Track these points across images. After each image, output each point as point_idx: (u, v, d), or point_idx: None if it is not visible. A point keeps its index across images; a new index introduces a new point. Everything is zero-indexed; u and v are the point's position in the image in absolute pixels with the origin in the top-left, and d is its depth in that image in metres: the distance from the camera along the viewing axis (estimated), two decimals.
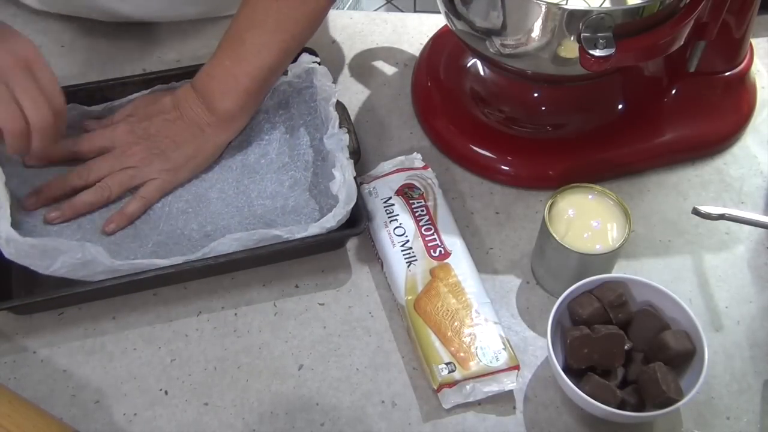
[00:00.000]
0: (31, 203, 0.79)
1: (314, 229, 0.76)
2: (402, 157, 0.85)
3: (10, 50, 0.73)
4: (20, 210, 0.78)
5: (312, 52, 0.86)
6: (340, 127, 0.81)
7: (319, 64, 0.85)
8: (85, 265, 0.72)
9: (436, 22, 0.98)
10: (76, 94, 0.84)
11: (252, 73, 0.80)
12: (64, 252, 0.71)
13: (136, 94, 0.86)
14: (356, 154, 0.82)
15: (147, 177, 0.80)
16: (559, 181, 0.79)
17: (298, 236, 0.76)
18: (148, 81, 0.87)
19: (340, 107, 0.84)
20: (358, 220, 0.77)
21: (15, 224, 0.73)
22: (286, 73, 0.85)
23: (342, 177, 0.77)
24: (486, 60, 0.85)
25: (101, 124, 0.84)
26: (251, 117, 0.84)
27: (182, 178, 0.82)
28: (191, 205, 0.82)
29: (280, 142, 0.86)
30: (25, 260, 0.72)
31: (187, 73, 0.85)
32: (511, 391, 0.73)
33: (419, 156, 0.86)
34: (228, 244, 0.75)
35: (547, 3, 0.70)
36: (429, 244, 0.78)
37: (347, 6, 1.59)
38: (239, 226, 0.80)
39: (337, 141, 0.80)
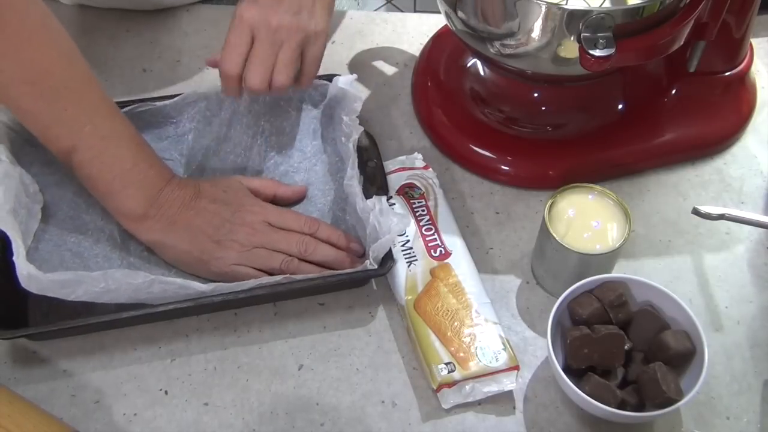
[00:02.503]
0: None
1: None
2: (403, 157, 0.85)
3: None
4: (36, 235, 0.77)
5: None
6: (366, 161, 0.80)
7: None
8: (108, 292, 0.71)
9: (436, 22, 0.98)
10: None
11: None
12: (86, 282, 0.70)
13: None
14: (383, 190, 0.81)
15: (306, 33, 0.77)
16: (559, 181, 0.79)
17: (323, 275, 0.75)
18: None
19: (369, 138, 0.83)
20: (384, 260, 0.75)
21: (31, 251, 0.73)
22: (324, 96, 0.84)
23: (368, 227, 0.76)
24: (486, 60, 0.85)
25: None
26: (205, 176, 0.82)
27: (322, 37, 0.79)
28: None
29: (308, 173, 0.85)
30: (48, 293, 0.70)
31: None
32: (510, 391, 0.73)
33: (420, 156, 0.86)
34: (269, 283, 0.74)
35: (547, 3, 0.70)
36: (429, 244, 0.78)
37: (351, 6, 1.59)
38: None
39: (355, 185, 0.78)
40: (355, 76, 0.84)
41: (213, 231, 0.76)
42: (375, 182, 0.80)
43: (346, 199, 0.81)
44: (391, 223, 0.75)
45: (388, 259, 0.75)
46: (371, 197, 0.77)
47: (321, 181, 0.84)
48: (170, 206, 0.75)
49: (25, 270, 0.69)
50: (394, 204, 0.81)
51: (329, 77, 0.85)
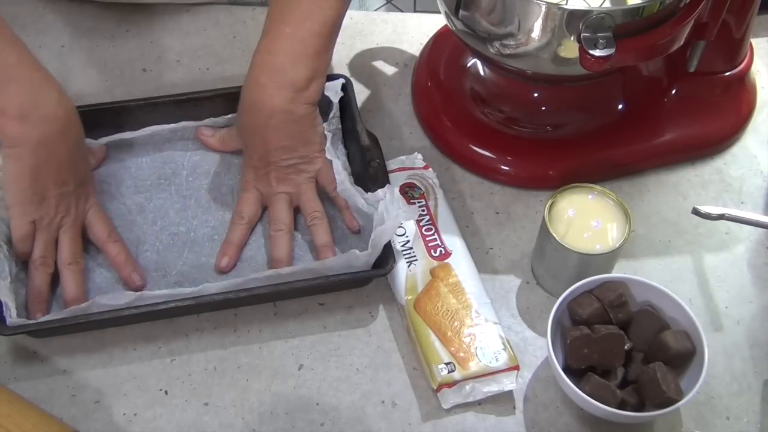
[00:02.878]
0: (37, 316, 0.75)
1: (338, 261, 0.75)
2: (403, 157, 0.85)
3: (78, 194, 0.77)
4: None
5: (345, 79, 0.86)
6: (369, 161, 0.81)
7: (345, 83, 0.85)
8: (99, 307, 0.72)
9: (436, 22, 0.98)
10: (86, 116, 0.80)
11: (319, 31, 0.75)
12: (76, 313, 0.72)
13: (152, 128, 0.84)
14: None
15: (305, 192, 0.80)
16: (559, 181, 0.79)
17: (322, 275, 0.75)
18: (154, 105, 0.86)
19: (371, 138, 0.84)
20: (385, 260, 0.75)
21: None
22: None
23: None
24: (486, 60, 0.85)
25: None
26: (326, 76, 0.80)
27: (320, 163, 0.80)
28: (217, 232, 0.80)
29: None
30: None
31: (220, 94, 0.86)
32: (510, 391, 0.73)
33: (420, 156, 0.86)
34: (259, 280, 0.74)
35: (547, 3, 0.70)
36: (429, 244, 0.78)
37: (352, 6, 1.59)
38: (265, 257, 0.79)
39: (349, 187, 0.79)
40: (341, 81, 0.85)
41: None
42: (377, 182, 0.80)
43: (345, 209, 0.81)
44: (399, 211, 0.75)
45: (389, 258, 0.75)
46: (376, 191, 0.78)
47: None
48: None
49: (15, 322, 0.71)
50: None
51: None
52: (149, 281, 0.77)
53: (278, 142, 0.78)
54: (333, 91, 0.84)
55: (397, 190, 0.79)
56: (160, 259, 0.79)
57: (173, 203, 0.82)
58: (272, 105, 0.76)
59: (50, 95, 0.74)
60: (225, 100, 0.85)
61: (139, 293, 0.72)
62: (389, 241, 0.76)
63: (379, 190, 0.78)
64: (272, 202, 0.80)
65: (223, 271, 0.78)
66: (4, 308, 0.71)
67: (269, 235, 0.79)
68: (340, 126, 0.85)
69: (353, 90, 0.86)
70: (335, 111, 0.84)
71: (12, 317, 0.70)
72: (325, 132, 0.81)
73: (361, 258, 0.75)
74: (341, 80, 0.85)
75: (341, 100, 0.85)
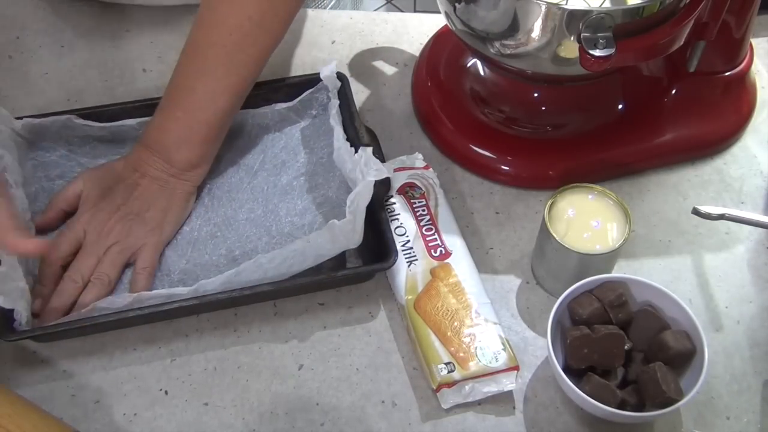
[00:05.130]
0: (40, 323, 0.74)
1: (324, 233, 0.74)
2: (403, 157, 0.85)
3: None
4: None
5: (341, 78, 0.86)
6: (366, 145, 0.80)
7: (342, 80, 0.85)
8: (100, 310, 0.73)
9: (436, 22, 0.98)
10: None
11: (208, 121, 0.78)
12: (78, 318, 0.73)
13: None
14: (385, 186, 0.80)
15: (135, 246, 0.77)
16: (559, 181, 0.79)
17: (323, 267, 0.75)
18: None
19: (370, 134, 0.84)
20: (387, 254, 0.75)
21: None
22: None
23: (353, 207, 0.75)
24: (486, 60, 0.85)
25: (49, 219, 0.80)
26: (214, 159, 0.82)
27: (168, 233, 0.79)
28: (220, 229, 0.81)
29: (315, 165, 0.85)
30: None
31: None
32: (510, 391, 0.73)
33: (420, 156, 0.86)
34: (252, 270, 0.74)
35: (547, 3, 0.70)
36: (430, 244, 0.78)
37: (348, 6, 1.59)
38: (266, 247, 0.79)
39: (344, 152, 0.79)
40: (334, 62, 0.85)
41: None
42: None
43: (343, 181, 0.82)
44: (371, 170, 0.75)
45: (391, 252, 0.75)
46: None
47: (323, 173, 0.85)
48: None
49: (20, 328, 0.71)
50: (394, 203, 0.81)
51: (312, 76, 0.86)
52: (152, 281, 0.77)
53: (138, 192, 0.79)
54: (328, 74, 0.84)
55: (369, 151, 0.77)
56: (163, 259, 0.79)
57: None
58: (153, 173, 0.79)
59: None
60: None
61: (137, 294, 0.73)
62: (390, 235, 0.76)
63: (356, 155, 0.77)
64: (82, 256, 0.77)
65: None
66: (15, 315, 0.71)
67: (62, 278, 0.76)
68: (339, 111, 0.85)
69: (350, 86, 0.86)
70: (333, 99, 0.85)
71: (22, 325, 0.71)
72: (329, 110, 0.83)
73: (343, 227, 0.73)
74: (334, 62, 0.85)
75: (338, 96, 0.85)
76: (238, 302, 0.77)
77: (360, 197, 0.74)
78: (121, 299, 0.72)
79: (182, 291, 0.73)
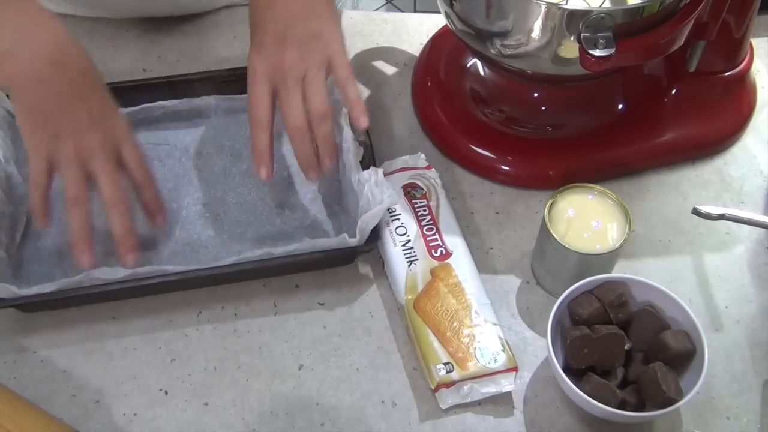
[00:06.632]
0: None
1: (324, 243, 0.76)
2: (406, 157, 0.85)
3: (102, 128, 0.73)
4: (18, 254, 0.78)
5: None
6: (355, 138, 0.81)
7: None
8: (92, 280, 0.73)
9: (436, 22, 0.98)
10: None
11: None
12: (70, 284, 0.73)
13: (143, 105, 0.86)
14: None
15: (312, 81, 0.74)
16: (559, 181, 0.79)
17: (307, 251, 0.76)
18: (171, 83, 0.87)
19: (367, 137, 0.84)
20: (369, 236, 0.76)
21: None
22: None
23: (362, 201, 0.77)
24: (486, 60, 0.85)
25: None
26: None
27: (335, 44, 0.75)
28: (209, 209, 0.81)
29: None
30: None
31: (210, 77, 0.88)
32: (510, 392, 0.73)
33: (423, 156, 0.86)
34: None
35: (547, 3, 0.70)
36: (430, 244, 0.78)
37: (347, 6, 1.59)
38: (256, 235, 0.80)
39: (351, 158, 0.80)
40: None
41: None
42: (363, 163, 0.81)
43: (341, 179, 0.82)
44: (383, 196, 0.75)
45: (373, 235, 0.76)
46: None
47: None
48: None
49: (4, 291, 0.71)
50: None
51: None
52: (140, 258, 0.77)
53: (298, 7, 0.74)
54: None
55: (380, 172, 0.77)
56: (152, 237, 0.79)
57: (165, 182, 0.83)
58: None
59: (39, 29, 0.71)
60: (215, 83, 0.87)
61: (132, 270, 0.73)
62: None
63: (365, 172, 0.78)
64: (286, 100, 0.75)
65: (267, 181, 0.77)
66: None
67: (289, 136, 0.76)
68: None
69: None
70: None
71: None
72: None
73: (350, 244, 0.76)
74: None
75: None
76: (222, 280, 0.78)
77: (371, 220, 0.75)
78: (118, 272, 0.72)
79: (179, 269, 0.74)
